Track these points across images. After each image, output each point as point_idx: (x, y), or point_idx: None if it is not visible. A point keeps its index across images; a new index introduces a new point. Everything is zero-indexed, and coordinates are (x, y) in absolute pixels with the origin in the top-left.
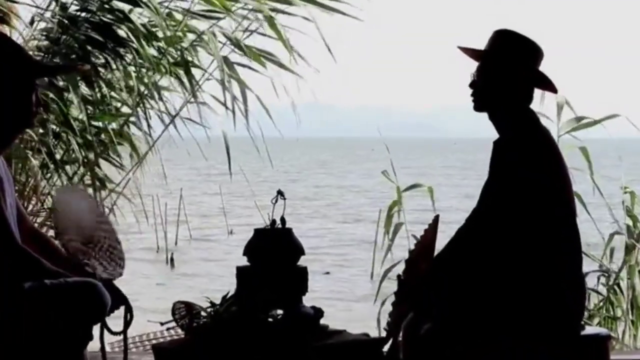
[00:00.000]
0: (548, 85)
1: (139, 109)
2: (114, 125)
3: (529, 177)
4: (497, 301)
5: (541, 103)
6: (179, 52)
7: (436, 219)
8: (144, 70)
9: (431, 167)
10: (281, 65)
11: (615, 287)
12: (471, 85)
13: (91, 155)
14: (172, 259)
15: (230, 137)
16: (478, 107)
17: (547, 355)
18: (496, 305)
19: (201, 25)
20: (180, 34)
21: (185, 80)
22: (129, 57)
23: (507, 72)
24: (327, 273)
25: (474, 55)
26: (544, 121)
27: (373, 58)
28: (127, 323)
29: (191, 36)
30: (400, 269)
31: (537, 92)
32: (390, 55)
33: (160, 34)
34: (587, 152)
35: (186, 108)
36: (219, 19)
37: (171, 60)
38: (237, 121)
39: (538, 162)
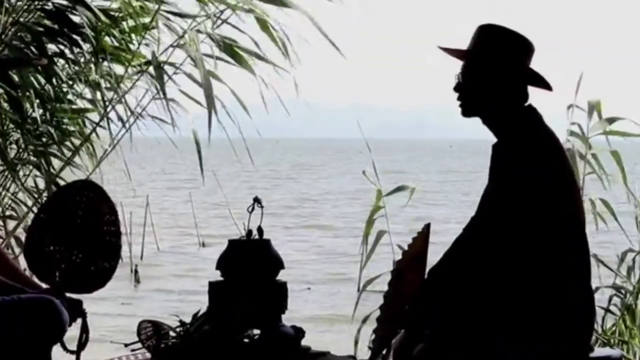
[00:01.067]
0: (541, 82)
1: (97, 103)
2: (66, 121)
3: (523, 175)
4: (497, 302)
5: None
6: (146, 46)
7: (427, 228)
8: (106, 63)
9: (425, 172)
10: (260, 58)
11: (630, 307)
12: (456, 88)
13: (46, 156)
14: (136, 274)
15: (201, 139)
16: (466, 112)
17: (549, 352)
18: (496, 307)
19: (175, 19)
20: (145, 19)
21: (152, 71)
22: (86, 47)
23: (495, 71)
24: (309, 289)
25: (458, 55)
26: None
27: (363, 54)
28: (82, 345)
29: (162, 31)
30: (381, 282)
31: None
32: (381, 52)
33: (125, 22)
34: (619, 157)
35: (154, 105)
36: (195, 16)
37: (141, 58)
38: (211, 121)
39: (536, 159)
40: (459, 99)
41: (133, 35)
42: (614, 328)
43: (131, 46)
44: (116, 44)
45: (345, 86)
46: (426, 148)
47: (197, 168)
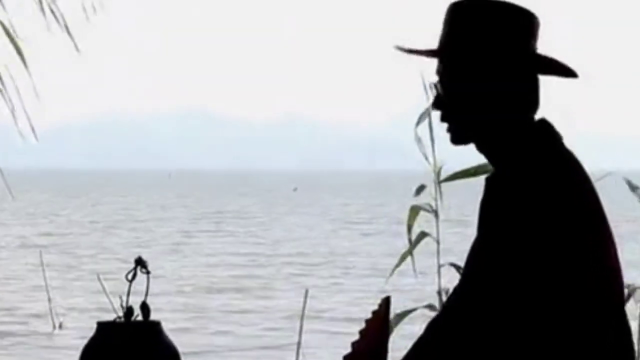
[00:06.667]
0: (557, 68)
1: None
2: None
3: (530, 224)
4: None
5: None
6: None
7: (385, 303)
8: None
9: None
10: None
11: None
12: (436, 103)
13: None
14: None
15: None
16: (458, 137)
17: None
18: None
19: None
20: None
21: None
22: None
23: (487, 62)
24: None
25: (427, 53)
26: None
27: (289, 51)
28: None
29: None
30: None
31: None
32: (316, 46)
33: None
34: None
35: None
36: None
37: None
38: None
39: (551, 200)
40: (443, 119)
41: None
42: None
43: None
44: None
45: (273, 95)
46: (401, 184)
47: (51, 214)
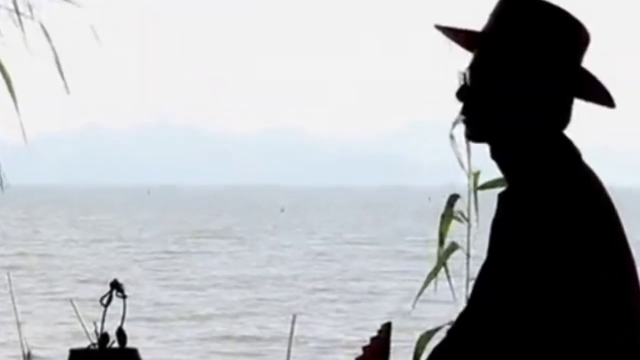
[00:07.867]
0: (596, 91)
1: None
2: None
3: (545, 246)
4: None
5: None
6: None
7: (386, 329)
8: None
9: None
10: None
11: None
12: (460, 93)
13: None
14: None
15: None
16: (474, 134)
17: None
18: None
19: None
20: None
21: None
22: None
23: (528, 65)
24: None
25: (464, 40)
26: None
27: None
28: None
29: None
30: None
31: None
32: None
33: None
34: None
35: None
36: None
37: None
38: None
39: (570, 221)
40: (463, 111)
41: None
42: None
43: None
44: None
45: (256, 108)
46: (395, 204)
47: (22, 233)
